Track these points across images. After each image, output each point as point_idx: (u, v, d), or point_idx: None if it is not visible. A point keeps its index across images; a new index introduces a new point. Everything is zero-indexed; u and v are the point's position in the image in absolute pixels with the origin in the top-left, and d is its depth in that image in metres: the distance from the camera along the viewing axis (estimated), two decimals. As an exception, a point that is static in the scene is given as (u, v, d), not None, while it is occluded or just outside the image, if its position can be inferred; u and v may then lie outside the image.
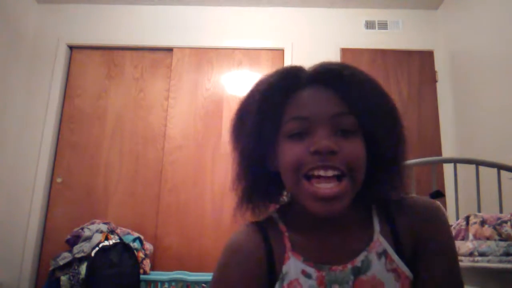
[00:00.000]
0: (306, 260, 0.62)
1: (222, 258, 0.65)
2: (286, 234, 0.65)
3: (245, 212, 0.68)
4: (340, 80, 0.62)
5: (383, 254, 0.61)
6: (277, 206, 0.71)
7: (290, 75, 0.65)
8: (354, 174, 0.59)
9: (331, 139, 0.59)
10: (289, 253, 0.63)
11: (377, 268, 0.60)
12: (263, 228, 0.67)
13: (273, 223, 0.68)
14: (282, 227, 0.66)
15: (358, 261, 0.61)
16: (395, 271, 0.60)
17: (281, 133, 0.63)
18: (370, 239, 0.63)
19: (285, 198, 0.71)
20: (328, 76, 0.63)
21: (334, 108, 0.61)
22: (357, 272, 0.60)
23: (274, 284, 0.62)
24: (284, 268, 0.62)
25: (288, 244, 0.64)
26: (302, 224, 0.65)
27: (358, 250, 0.62)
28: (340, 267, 0.61)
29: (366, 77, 0.64)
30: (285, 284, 0.61)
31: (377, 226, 0.64)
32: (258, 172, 0.66)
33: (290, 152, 0.60)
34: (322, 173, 0.58)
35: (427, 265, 0.62)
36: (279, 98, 0.63)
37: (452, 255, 0.63)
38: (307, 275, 0.61)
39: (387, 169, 0.64)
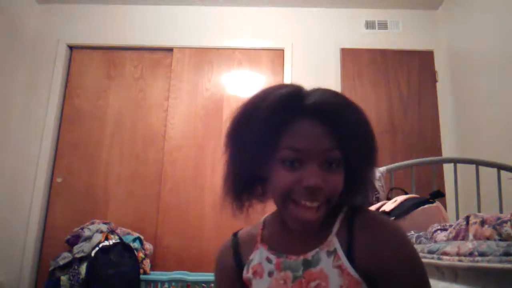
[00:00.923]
0: (271, 249, 0.77)
1: (214, 268, 0.85)
2: (260, 231, 0.82)
3: (228, 205, 0.81)
4: (335, 118, 0.69)
5: (333, 253, 0.72)
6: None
7: (291, 101, 0.71)
8: (331, 202, 0.71)
9: (319, 174, 0.68)
10: (258, 245, 0.79)
11: (325, 263, 0.71)
12: (236, 239, 0.84)
13: (255, 226, 0.84)
14: (259, 227, 0.83)
15: (309, 255, 0.73)
16: (339, 267, 0.70)
17: (275, 156, 0.71)
18: (326, 239, 0.73)
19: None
20: (326, 110, 0.70)
21: (325, 144, 0.69)
22: (307, 264, 0.72)
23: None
24: (251, 256, 0.78)
25: (258, 238, 0.80)
26: (275, 225, 0.81)
27: (312, 246, 0.73)
28: (294, 257, 0.73)
29: (359, 116, 0.72)
30: (250, 267, 0.77)
31: (335, 229, 0.74)
32: (246, 174, 0.76)
33: (282, 180, 0.69)
34: (308, 204, 0.68)
35: (388, 283, 0.68)
36: (279, 125, 0.70)
37: (413, 276, 0.69)
38: (269, 261, 0.76)
39: (357, 184, 0.76)
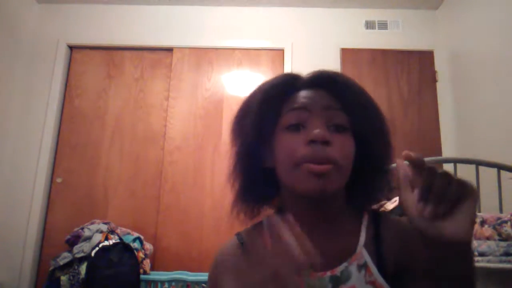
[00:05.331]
0: None
1: (210, 272, 0.74)
2: (270, 242, 0.68)
3: (239, 212, 0.73)
4: (333, 84, 0.70)
5: (364, 266, 0.64)
6: (270, 213, 0.75)
7: (289, 78, 0.73)
8: (342, 168, 0.64)
9: (325, 130, 0.64)
10: None
11: (357, 279, 0.63)
12: (244, 243, 0.72)
13: (260, 231, 0.73)
14: (267, 240, 0.69)
15: (337, 271, 0.64)
16: (373, 283, 0.63)
17: (279, 127, 0.68)
18: (354, 250, 0.66)
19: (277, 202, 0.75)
20: (323, 80, 0.71)
21: (328, 102, 0.68)
22: (336, 281, 0.64)
23: None
24: None
25: None
26: None
27: (340, 260, 0.65)
28: (319, 274, 0.64)
29: (356, 85, 0.71)
30: None
31: (362, 238, 0.67)
32: (253, 167, 0.71)
33: (287, 143, 0.66)
34: (316, 167, 0.62)
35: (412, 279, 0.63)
36: (279, 96, 0.70)
37: None
38: None
39: (374, 171, 0.70)
